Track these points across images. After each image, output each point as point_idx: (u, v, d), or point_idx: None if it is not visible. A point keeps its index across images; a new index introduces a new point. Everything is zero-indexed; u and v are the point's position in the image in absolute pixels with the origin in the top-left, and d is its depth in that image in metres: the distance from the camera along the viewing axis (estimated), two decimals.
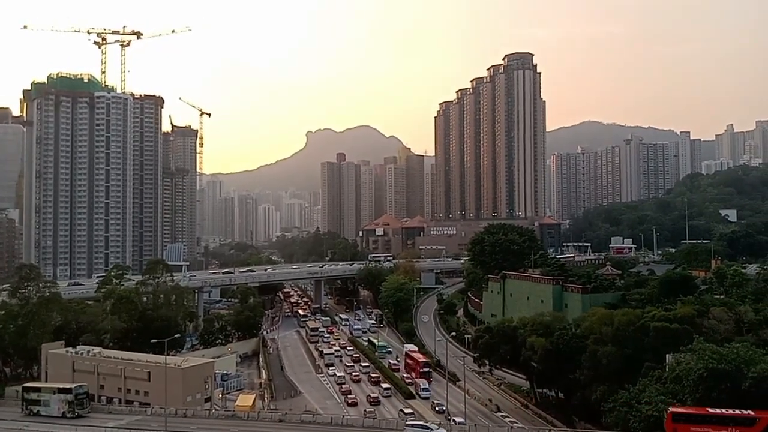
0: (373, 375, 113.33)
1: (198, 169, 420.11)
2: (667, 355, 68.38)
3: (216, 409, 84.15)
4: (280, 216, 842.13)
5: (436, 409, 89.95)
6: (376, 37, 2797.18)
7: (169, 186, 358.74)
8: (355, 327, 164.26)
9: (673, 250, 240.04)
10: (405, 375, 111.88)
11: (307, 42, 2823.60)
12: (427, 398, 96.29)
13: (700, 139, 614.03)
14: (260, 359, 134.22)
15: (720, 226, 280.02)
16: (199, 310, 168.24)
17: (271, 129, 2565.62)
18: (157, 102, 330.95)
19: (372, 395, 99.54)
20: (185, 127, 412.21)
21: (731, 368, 52.68)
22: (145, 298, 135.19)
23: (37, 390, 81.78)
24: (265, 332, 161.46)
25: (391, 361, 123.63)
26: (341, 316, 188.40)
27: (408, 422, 69.55)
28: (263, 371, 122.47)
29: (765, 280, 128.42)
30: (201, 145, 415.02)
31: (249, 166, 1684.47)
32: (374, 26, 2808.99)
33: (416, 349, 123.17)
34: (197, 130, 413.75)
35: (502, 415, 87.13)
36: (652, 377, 64.22)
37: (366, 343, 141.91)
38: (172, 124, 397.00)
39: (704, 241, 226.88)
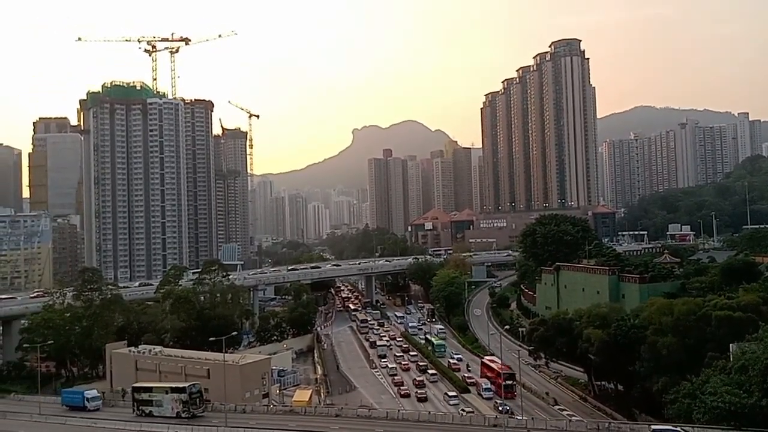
0: (421, 363, 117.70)
1: (249, 170, 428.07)
2: (731, 345, 66.00)
3: (273, 405, 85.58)
4: (329, 213, 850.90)
5: (483, 395, 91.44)
6: (419, 31, 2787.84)
7: (222, 187, 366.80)
8: (411, 324, 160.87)
9: (735, 236, 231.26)
10: (499, 402, 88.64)
11: (350, 40, 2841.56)
12: (490, 398, 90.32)
13: (759, 120, 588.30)
14: (315, 355, 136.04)
15: None
16: (255, 308, 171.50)
17: (319, 128, 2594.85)
18: (207, 106, 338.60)
19: (417, 378, 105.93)
20: (235, 129, 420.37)
21: None
22: (202, 298, 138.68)
23: (148, 390, 79.87)
24: (319, 328, 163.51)
25: (451, 360, 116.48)
26: (396, 313, 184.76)
27: (653, 427, 59.90)
28: (318, 367, 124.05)
29: None
30: (251, 146, 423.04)
31: (298, 165, 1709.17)
32: (416, 21, 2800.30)
33: (495, 358, 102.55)
34: (246, 132, 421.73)
35: (560, 409, 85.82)
36: (716, 367, 62.08)
37: (423, 341, 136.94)
38: (222, 127, 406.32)
39: (767, 226, 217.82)
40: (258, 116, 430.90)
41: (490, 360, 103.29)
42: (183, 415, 74.46)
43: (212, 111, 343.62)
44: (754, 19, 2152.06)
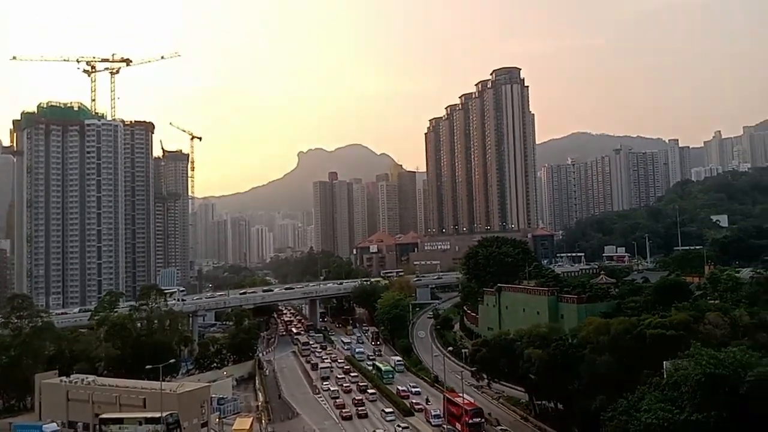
0: (362, 384, 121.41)
1: (190, 193, 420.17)
2: (664, 362, 68.19)
3: None
4: (273, 237, 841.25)
5: (432, 422, 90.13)
6: (365, 56, 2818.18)
7: (161, 211, 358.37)
8: (357, 350, 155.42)
9: (666, 257, 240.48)
10: (447, 427, 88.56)
11: (296, 64, 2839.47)
12: (438, 425, 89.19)
13: (688, 147, 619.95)
14: (256, 381, 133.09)
15: (712, 232, 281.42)
16: (194, 335, 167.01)
17: (262, 151, 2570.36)
18: (148, 128, 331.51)
19: (357, 398, 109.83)
20: (176, 151, 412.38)
21: (729, 372, 52.56)
22: (139, 324, 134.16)
23: (119, 421, 76.13)
24: (260, 354, 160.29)
25: (400, 387, 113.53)
26: (343, 339, 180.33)
27: None
28: (260, 394, 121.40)
29: (759, 284, 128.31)
30: (192, 169, 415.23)
31: (241, 188, 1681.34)
32: (361, 46, 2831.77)
33: (458, 393, 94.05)
34: (188, 154, 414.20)
35: (502, 429, 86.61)
36: (651, 384, 63.94)
37: (371, 368, 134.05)
38: (163, 149, 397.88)
39: (697, 247, 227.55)
40: (200, 138, 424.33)
41: (452, 395, 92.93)
42: None
43: (153, 132, 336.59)
44: (683, 50, 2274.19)
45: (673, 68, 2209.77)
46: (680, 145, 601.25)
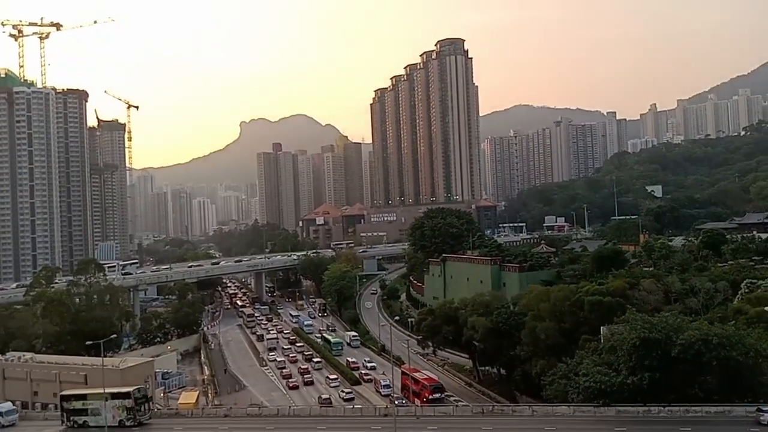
0: (307, 353, 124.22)
1: (128, 164, 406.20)
2: (601, 328, 70.98)
3: (158, 409, 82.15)
4: (216, 209, 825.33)
5: (381, 392, 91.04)
6: (309, 26, 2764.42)
7: (98, 183, 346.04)
8: (306, 323, 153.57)
9: (604, 226, 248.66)
10: (395, 395, 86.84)
11: (238, 33, 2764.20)
12: (387, 395, 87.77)
13: (625, 119, 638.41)
14: (202, 355, 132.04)
15: (647, 202, 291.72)
16: (136, 309, 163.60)
17: (203, 121, 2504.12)
18: (81, 96, 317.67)
19: (302, 367, 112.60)
20: (112, 121, 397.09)
21: (661, 336, 54.97)
22: (77, 300, 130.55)
23: (81, 397, 71.46)
24: (205, 328, 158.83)
25: (350, 359, 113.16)
26: (291, 312, 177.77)
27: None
28: (205, 367, 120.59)
29: (690, 252, 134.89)
30: (130, 139, 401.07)
31: (181, 159, 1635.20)
32: (305, 15, 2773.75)
33: (417, 368, 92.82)
34: (125, 124, 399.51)
35: (446, 395, 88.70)
36: (589, 349, 66.51)
37: (320, 341, 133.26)
38: (98, 118, 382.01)
39: (632, 217, 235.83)
40: (138, 107, 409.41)
41: (411, 370, 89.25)
42: (127, 424, 67.60)
43: (87, 101, 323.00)
44: (622, 25, 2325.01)
45: (612, 43, 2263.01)
46: (618, 118, 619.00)
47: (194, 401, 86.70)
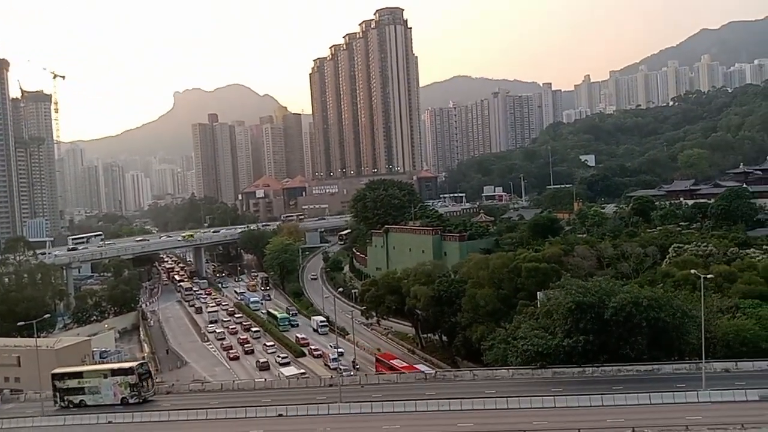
0: (245, 323, 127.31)
1: (55, 137, 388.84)
2: (538, 293, 73.40)
3: None
4: (150, 183, 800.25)
5: (330, 365, 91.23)
6: None
7: (24, 157, 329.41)
8: (252, 299, 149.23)
9: (540, 195, 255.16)
10: (343, 367, 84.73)
11: None
12: (335, 368, 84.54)
13: (560, 90, 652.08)
14: (141, 333, 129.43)
15: (580, 171, 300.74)
16: (70, 288, 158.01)
17: (134, 91, 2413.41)
18: (2, 65, 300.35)
19: (242, 337, 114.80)
20: (37, 92, 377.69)
21: (595, 300, 57.30)
22: (6, 279, 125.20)
23: (77, 375, 67.48)
24: (144, 305, 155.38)
25: (298, 335, 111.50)
26: (236, 290, 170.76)
27: None
28: (145, 345, 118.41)
29: (621, 218, 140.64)
30: (56, 110, 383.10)
31: (112, 132, 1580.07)
32: None
33: (393, 354, 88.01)
34: (51, 95, 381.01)
35: None
36: (526, 314, 68.74)
37: (265, 316, 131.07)
38: (21, 89, 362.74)
39: (567, 186, 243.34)
40: (64, 77, 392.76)
41: (385, 357, 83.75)
42: (131, 401, 64.16)
43: (8, 71, 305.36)
44: None
45: (548, 15, 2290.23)
46: (553, 89, 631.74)
47: None
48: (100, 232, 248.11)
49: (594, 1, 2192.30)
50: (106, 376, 66.38)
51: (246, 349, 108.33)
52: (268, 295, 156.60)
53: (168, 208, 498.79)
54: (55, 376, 68.14)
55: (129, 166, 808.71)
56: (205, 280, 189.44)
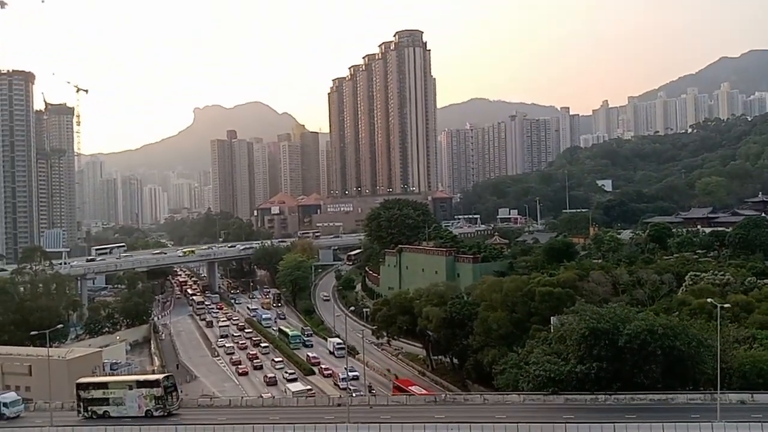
0: (255, 338, 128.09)
1: (76, 149, 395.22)
2: (552, 318, 72.52)
3: None
4: (167, 197, 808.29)
5: (340, 385, 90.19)
6: (263, 10, 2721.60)
7: (45, 168, 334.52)
8: (264, 317, 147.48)
9: (555, 219, 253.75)
10: (353, 388, 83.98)
11: (189, 15, 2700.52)
12: (345, 388, 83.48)
13: (578, 115, 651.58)
14: (152, 346, 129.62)
15: (597, 196, 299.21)
16: (83, 299, 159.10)
17: (155, 106, 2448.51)
18: (28, 78, 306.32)
19: (251, 352, 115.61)
20: (60, 104, 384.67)
21: (609, 326, 56.45)
22: (22, 289, 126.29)
23: (102, 386, 66.80)
24: (156, 318, 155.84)
25: (310, 354, 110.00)
26: (249, 306, 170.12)
27: None
28: (155, 358, 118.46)
29: (637, 245, 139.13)
30: (78, 123, 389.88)
31: (132, 145, 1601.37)
32: (262, 1, 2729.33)
33: (411, 380, 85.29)
34: (74, 108, 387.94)
35: None
36: (539, 339, 67.82)
37: (276, 333, 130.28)
38: (45, 101, 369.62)
39: (583, 210, 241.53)
40: (87, 91, 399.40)
41: (403, 383, 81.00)
42: (156, 414, 63.34)
43: (33, 83, 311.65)
44: (577, 22, 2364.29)
45: (567, 40, 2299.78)
46: (571, 113, 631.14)
47: None
48: (123, 244, 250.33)
49: (613, 27, 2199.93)
50: (131, 388, 65.59)
51: (255, 364, 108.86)
52: (282, 314, 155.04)
53: (184, 222, 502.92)
54: (79, 386, 67.18)
55: (147, 179, 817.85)
56: (217, 295, 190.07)
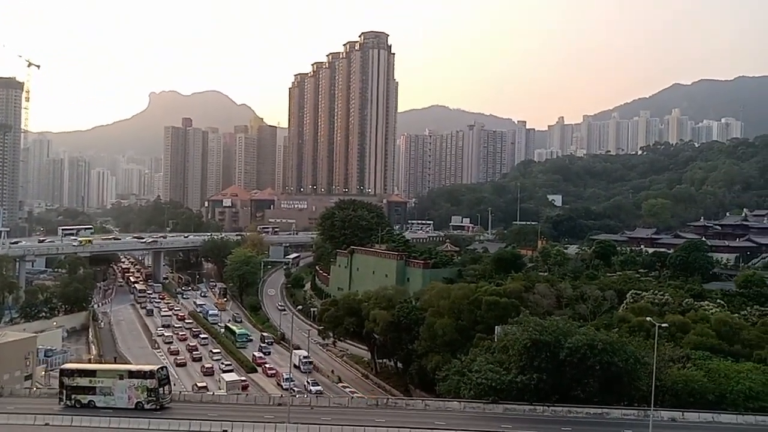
0: (195, 329, 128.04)
1: (23, 126, 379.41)
2: (496, 327, 73.54)
3: (38, 387, 77.50)
4: (116, 182, 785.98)
5: (283, 385, 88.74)
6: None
7: None
8: (211, 312, 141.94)
9: (506, 230, 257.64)
10: (297, 389, 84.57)
11: (151, 4, 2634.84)
12: (288, 388, 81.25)
13: (534, 129, 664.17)
14: (90, 334, 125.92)
15: (547, 210, 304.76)
16: (21, 281, 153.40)
17: (109, 87, 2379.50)
18: None
19: (191, 344, 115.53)
20: (9, 78, 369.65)
21: (551, 339, 57.61)
22: None
23: (89, 373, 63.59)
24: (96, 305, 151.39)
25: (255, 353, 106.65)
26: (196, 301, 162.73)
27: None
28: (93, 346, 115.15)
29: (583, 260, 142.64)
30: (27, 99, 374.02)
31: (83, 126, 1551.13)
32: None
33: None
34: (23, 83, 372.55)
35: (343, 386, 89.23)
36: (483, 347, 68.66)
37: (223, 330, 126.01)
38: None
39: (533, 223, 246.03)
40: (39, 66, 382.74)
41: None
42: (147, 407, 60.73)
43: None
44: (539, 39, 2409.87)
45: (528, 56, 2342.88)
46: (527, 127, 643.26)
47: None
48: (90, 226, 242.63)
49: (572, 48, 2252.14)
50: (122, 377, 62.92)
51: (194, 356, 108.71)
52: (239, 316, 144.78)
53: (131, 208, 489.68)
54: (63, 372, 64.71)
55: (96, 162, 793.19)
56: (159, 285, 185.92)
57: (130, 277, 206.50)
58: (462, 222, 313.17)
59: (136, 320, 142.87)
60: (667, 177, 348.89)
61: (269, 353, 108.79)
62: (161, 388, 62.50)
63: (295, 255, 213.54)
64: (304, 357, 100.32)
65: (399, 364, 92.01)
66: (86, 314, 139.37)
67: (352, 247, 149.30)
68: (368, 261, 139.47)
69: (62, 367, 65.76)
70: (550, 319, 64.81)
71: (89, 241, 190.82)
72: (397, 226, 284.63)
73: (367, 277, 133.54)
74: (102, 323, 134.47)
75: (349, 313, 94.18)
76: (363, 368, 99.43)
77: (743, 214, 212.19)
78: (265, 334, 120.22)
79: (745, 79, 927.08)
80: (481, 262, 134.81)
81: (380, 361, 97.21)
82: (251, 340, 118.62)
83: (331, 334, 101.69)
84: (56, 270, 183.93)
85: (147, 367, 66.46)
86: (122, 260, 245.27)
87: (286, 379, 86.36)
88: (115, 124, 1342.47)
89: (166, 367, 70.34)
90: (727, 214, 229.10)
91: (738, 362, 62.95)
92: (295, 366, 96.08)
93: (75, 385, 63.31)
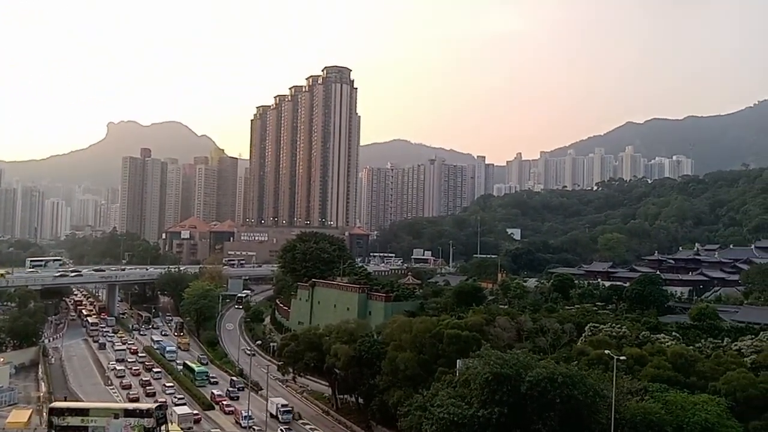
0: (148, 363, 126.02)
1: None
2: (458, 361, 73.43)
3: None
4: (71, 212, 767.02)
5: (241, 423, 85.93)
6: (189, 31, 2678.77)
7: None
8: (169, 349, 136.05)
9: (467, 263, 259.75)
10: (257, 429, 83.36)
11: (109, 26, 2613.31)
12: (247, 427, 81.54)
13: (493, 164, 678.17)
14: (40, 370, 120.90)
15: (506, 243, 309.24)
16: None
17: (66, 116, 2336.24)
18: None
19: (144, 379, 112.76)
20: None
21: (512, 372, 57.64)
22: None
23: (81, 412, 60.48)
24: (47, 340, 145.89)
25: (215, 392, 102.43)
26: (153, 338, 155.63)
27: None
28: (43, 384, 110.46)
29: (542, 293, 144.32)
30: None
31: (37, 155, 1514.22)
32: (191, 20, 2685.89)
33: None
34: None
35: (303, 423, 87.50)
36: (444, 382, 68.32)
37: (180, 368, 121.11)
38: None
39: (493, 256, 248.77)
40: None
41: None
42: None
43: None
44: (496, 76, 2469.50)
45: (487, 93, 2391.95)
46: (486, 162, 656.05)
47: (26, 420, 78.67)
48: (60, 258, 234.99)
49: (531, 86, 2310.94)
50: (117, 416, 60.06)
51: (147, 391, 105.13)
52: (205, 359, 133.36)
53: (86, 240, 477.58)
54: (53, 411, 61.29)
55: (50, 192, 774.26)
56: (113, 318, 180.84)
57: (83, 311, 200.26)
58: (424, 255, 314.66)
59: (89, 355, 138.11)
60: (621, 212, 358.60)
61: (237, 398, 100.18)
62: (159, 428, 60.27)
63: (246, 292, 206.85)
64: (282, 405, 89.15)
65: (360, 400, 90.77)
66: (36, 349, 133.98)
67: (313, 280, 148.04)
68: (330, 294, 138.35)
69: (51, 405, 62.68)
70: (511, 352, 64.97)
71: (2, 275, 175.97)
72: (359, 259, 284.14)
73: (329, 310, 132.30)
74: (53, 359, 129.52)
75: (309, 348, 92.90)
76: (324, 404, 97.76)
77: (695, 249, 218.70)
78: (234, 378, 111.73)
79: (695, 118, 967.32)
80: (443, 295, 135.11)
81: (341, 396, 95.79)
82: (214, 382, 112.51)
83: (291, 370, 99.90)
84: (5, 303, 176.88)
85: (144, 406, 64.43)
86: (75, 293, 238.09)
87: (245, 417, 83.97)
88: (71, 153, 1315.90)
89: (165, 405, 67.73)
90: (680, 248, 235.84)
91: (694, 394, 64.04)
92: (271, 416, 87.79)
93: (66, 425, 60.39)
